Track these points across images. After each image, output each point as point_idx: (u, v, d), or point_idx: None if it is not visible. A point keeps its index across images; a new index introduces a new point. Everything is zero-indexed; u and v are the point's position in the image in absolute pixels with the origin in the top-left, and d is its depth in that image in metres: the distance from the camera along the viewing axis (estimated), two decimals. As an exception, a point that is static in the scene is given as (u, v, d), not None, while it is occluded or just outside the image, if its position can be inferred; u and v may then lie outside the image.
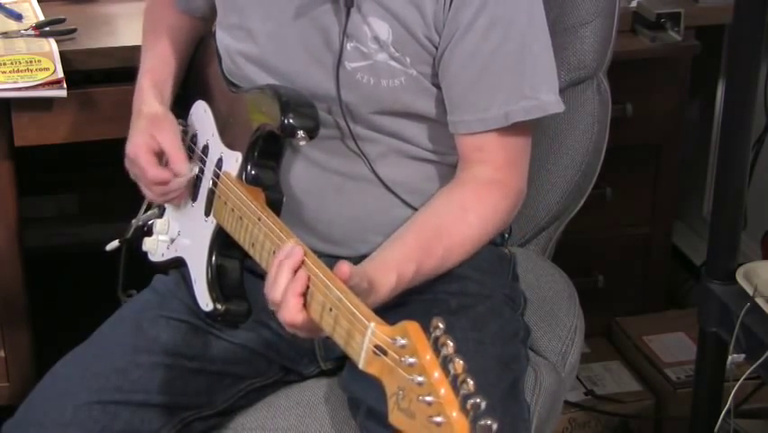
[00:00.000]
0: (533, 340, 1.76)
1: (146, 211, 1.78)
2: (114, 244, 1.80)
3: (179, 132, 1.67)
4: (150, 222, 1.76)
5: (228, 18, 1.67)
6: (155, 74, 1.75)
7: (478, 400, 1.09)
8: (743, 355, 1.82)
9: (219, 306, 1.58)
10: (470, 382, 1.10)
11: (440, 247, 1.54)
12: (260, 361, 1.67)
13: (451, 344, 1.13)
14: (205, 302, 1.59)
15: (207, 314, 1.60)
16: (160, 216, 1.74)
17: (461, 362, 1.12)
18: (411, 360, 1.14)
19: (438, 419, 1.10)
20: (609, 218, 2.51)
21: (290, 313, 1.36)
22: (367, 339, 1.23)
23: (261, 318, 1.65)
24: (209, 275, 1.59)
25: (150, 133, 1.64)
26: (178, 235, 1.70)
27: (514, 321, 1.70)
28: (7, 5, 2.17)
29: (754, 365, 1.78)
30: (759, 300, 1.81)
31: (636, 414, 2.41)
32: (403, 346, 1.16)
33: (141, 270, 1.77)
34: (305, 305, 1.35)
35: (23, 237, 2.10)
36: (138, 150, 1.63)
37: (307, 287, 1.35)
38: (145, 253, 1.75)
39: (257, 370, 1.67)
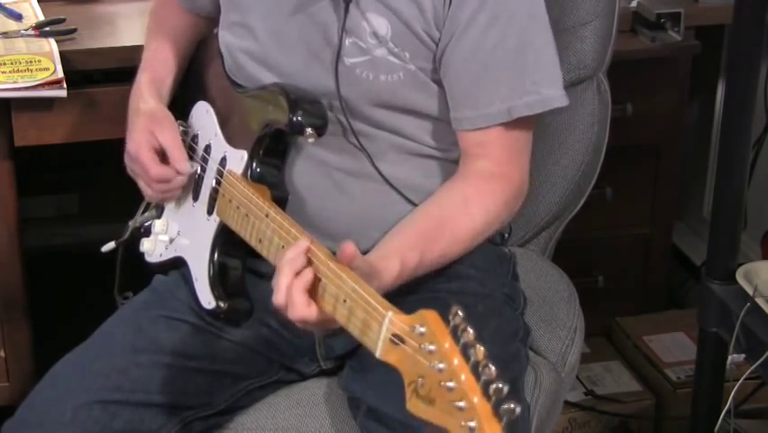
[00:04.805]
0: (533, 340, 1.76)
1: (144, 212, 1.78)
2: (111, 245, 1.80)
3: (178, 129, 1.67)
4: (147, 223, 1.76)
5: (229, 16, 1.67)
6: (153, 72, 1.75)
7: (500, 385, 1.10)
8: (743, 355, 1.82)
9: (221, 304, 1.59)
10: (492, 368, 1.11)
11: (443, 238, 1.54)
12: (261, 360, 1.67)
13: (470, 331, 1.13)
14: (207, 300, 1.60)
15: (209, 312, 1.60)
16: (158, 216, 1.74)
17: (482, 348, 1.12)
18: (431, 347, 1.15)
19: (460, 404, 1.11)
20: (609, 218, 2.51)
21: (298, 310, 1.36)
22: (384, 328, 1.23)
23: (262, 317, 1.65)
24: (211, 273, 1.60)
25: (150, 131, 1.64)
26: (177, 235, 1.70)
27: (513, 321, 1.70)
28: (7, 5, 2.17)
29: (754, 365, 1.78)
30: (759, 300, 1.81)
31: (636, 414, 2.41)
32: (422, 334, 1.17)
33: (138, 271, 1.77)
34: (315, 299, 1.35)
35: (23, 237, 2.10)
36: (139, 147, 1.63)
37: (313, 283, 1.35)
38: (142, 255, 1.75)
39: (257, 369, 1.67)
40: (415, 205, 1.63)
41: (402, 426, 1.47)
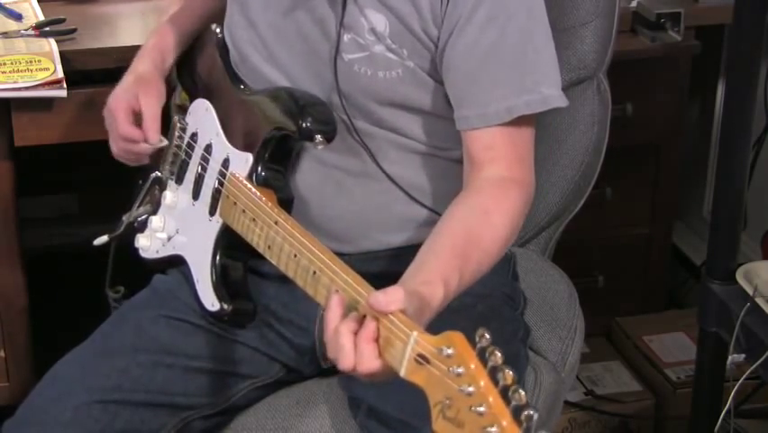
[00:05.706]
0: (533, 340, 1.76)
1: (139, 207, 1.78)
2: (103, 238, 1.79)
3: (163, 101, 1.70)
4: (141, 218, 1.76)
5: (233, 8, 1.68)
6: (162, 39, 1.78)
7: (531, 412, 1.08)
8: (743, 355, 1.82)
9: (225, 306, 1.58)
10: (522, 393, 1.09)
11: (474, 254, 1.48)
12: (262, 360, 1.67)
13: (499, 354, 1.11)
14: (211, 302, 1.59)
15: (213, 314, 1.60)
16: (154, 212, 1.74)
17: (511, 373, 1.10)
18: (459, 370, 1.13)
19: (493, 429, 1.08)
20: (609, 218, 2.51)
21: (367, 362, 1.27)
22: (409, 348, 1.20)
23: (263, 317, 1.65)
24: (214, 275, 1.59)
25: (134, 93, 1.68)
26: (176, 234, 1.69)
27: (513, 321, 1.70)
28: (7, 5, 2.17)
29: (754, 365, 1.78)
30: (759, 300, 1.81)
31: (636, 414, 2.42)
32: (449, 356, 1.14)
33: (133, 267, 1.76)
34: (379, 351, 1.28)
35: (23, 237, 2.10)
36: (118, 104, 1.68)
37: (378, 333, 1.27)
38: (135, 250, 1.74)
39: (258, 369, 1.67)
40: (416, 201, 1.63)
41: (402, 425, 1.47)
